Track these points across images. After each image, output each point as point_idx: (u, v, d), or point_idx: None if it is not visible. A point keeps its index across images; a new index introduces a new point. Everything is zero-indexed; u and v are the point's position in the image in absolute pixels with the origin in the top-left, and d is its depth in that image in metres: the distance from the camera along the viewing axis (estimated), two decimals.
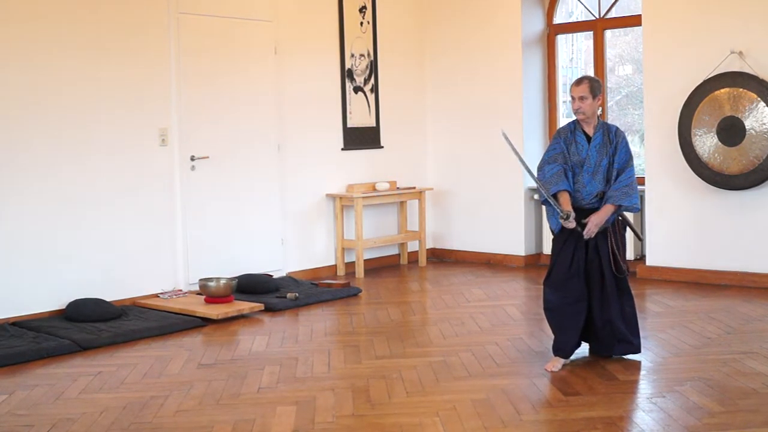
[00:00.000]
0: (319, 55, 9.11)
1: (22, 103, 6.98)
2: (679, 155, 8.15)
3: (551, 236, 9.08)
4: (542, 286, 5.78)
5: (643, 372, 5.42)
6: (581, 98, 5.57)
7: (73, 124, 7.27)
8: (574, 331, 5.57)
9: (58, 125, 7.18)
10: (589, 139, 5.61)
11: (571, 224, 5.46)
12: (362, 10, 9.46)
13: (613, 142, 5.60)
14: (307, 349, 6.15)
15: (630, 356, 5.67)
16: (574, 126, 5.67)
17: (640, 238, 6.35)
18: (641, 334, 6.24)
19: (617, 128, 5.70)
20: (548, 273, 5.72)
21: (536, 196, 5.73)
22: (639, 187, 8.56)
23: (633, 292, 7.83)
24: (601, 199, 5.58)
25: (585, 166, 5.57)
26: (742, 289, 7.81)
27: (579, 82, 5.61)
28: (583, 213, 5.55)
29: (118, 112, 7.53)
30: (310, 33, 9.02)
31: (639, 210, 5.65)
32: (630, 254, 8.66)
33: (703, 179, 8.03)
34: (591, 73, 9.30)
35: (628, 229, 5.82)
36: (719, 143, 7.89)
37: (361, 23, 9.47)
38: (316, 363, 5.78)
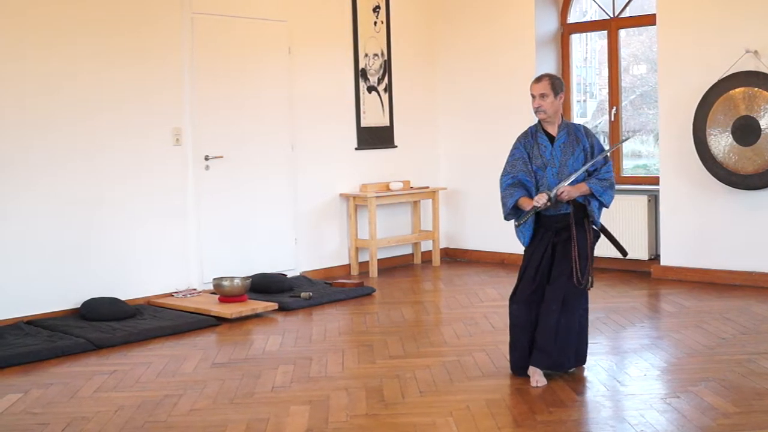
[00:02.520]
0: (332, 55, 9.12)
1: (36, 103, 7.01)
2: (694, 155, 8.12)
3: None
4: (509, 303, 5.43)
5: (657, 372, 5.41)
6: (542, 96, 5.26)
7: (87, 124, 7.30)
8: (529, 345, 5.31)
9: (72, 125, 7.21)
10: (552, 139, 5.33)
11: (543, 198, 5.10)
12: (376, 9, 9.46)
13: (582, 140, 5.32)
14: (320, 349, 6.16)
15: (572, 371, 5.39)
16: (535, 129, 5.39)
17: (623, 251, 5.68)
18: (655, 334, 6.22)
19: (584, 126, 5.45)
20: (515, 288, 5.40)
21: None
22: (653, 186, 8.65)
23: (647, 291, 7.86)
24: (568, 204, 5.25)
25: (549, 167, 5.29)
26: (757, 289, 7.78)
27: (539, 79, 5.31)
28: (550, 219, 5.30)
29: (132, 111, 7.56)
30: (323, 33, 9.03)
31: (608, 207, 5.38)
32: (644, 254, 8.64)
33: (717, 179, 8.00)
34: (605, 73, 9.28)
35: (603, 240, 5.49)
36: (734, 143, 7.86)
37: (375, 23, 9.47)
38: (330, 362, 5.78)
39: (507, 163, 5.39)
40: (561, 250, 5.26)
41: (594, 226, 5.36)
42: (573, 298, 5.24)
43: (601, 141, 9.69)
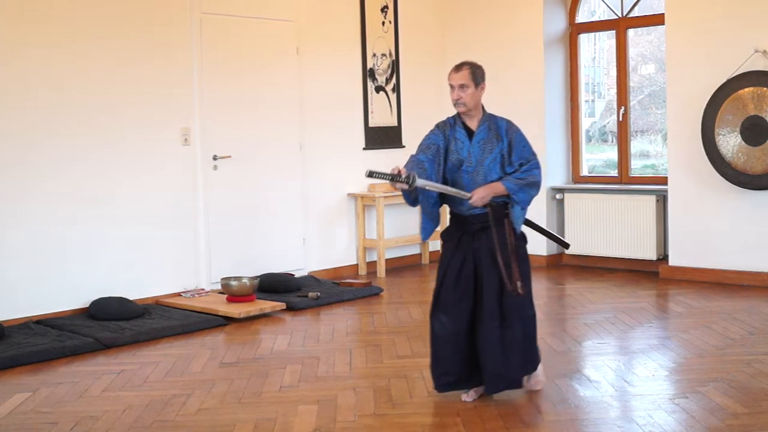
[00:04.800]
0: (340, 55, 9.12)
1: (45, 104, 7.03)
2: (703, 155, 8.10)
3: (574, 236, 9.14)
4: (430, 315, 4.94)
5: (665, 372, 5.40)
6: (461, 87, 4.81)
7: (96, 124, 7.31)
8: (467, 359, 4.85)
9: (81, 125, 7.23)
10: (471, 134, 4.87)
11: (402, 175, 4.57)
12: (384, 9, 9.46)
13: (503, 138, 4.83)
14: (328, 349, 6.16)
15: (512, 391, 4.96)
16: (454, 120, 4.92)
17: (564, 244, 5.40)
18: (663, 334, 6.20)
19: (509, 122, 4.93)
20: (436, 296, 4.91)
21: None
22: (661, 186, 8.63)
23: (655, 291, 7.85)
24: (484, 206, 4.80)
25: (464, 166, 4.82)
26: (766, 289, 7.75)
27: (458, 68, 4.86)
28: (466, 220, 4.86)
29: (140, 111, 7.57)
30: (332, 33, 9.03)
31: (523, 207, 4.82)
32: (653, 254, 8.63)
33: (726, 179, 7.98)
34: (613, 73, 9.26)
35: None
36: (743, 143, 7.84)
37: (383, 23, 9.47)
38: (338, 362, 5.79)
39: (419, 145, 4.91)
40: (485, 259, 4.79)
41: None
42: (511, 310, 4.78)
43: (610, 141, 9.70)
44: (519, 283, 4.73)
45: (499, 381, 4.80)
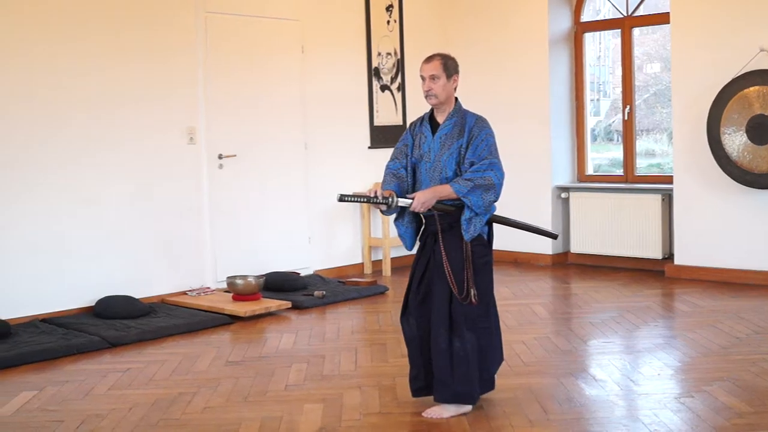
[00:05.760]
0: (345, 54, 9.12)
1: (50, 101, 7.04)
2: (708, 154, 8.09)
3: (579, 235, 9.14)
4: (400, 318, 4.89)
5: (671, 372, 5.40)
6: (432, 78, 4.62)
7: (101, 123, 7.32)
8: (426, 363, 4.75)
9: (86, 123, 7.24)
10: (436, 129, 4.71)
11: (380, 197, 4.54)
12: (389, 8, 9.47)
13: (465, 133, 4.62)
14: (334, 347, 6.17)
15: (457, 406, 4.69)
16: (427, 115, 4.79)
17: (552, 235, 5.21)
18: (669, 333, 6.20)
19: (479, 119, 4.71)
20: (405, 298, 4.86)
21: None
22: (667, 185, 8.62)
23: (661, 290, 7.83)
24: (430, 210, 4.61)
25: (423, 161, 4.68)
26: None
27: (430, 59, 4.70)
28: (427, 221, 4.73)
29: (145, 111, 7.58)
30: (336, 32, 9.04)
31: (478, 212, 4.56)
32: (658, 253, 8.62)
33: (732, 178, 7.97)
34: (619, 72, 9.26)
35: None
36: (748, 142, 7.83)
37: (388, 22, 9.47)
38: (343, 361, 5.79)
39: (394, 148, 4.84)
40: (437, 263, 4.66)
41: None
42: (461, 319, 4.58)
43: (615, 140, 9.69)
44: (473, 292, 4.57)
45: (445, 390, 4.61)
